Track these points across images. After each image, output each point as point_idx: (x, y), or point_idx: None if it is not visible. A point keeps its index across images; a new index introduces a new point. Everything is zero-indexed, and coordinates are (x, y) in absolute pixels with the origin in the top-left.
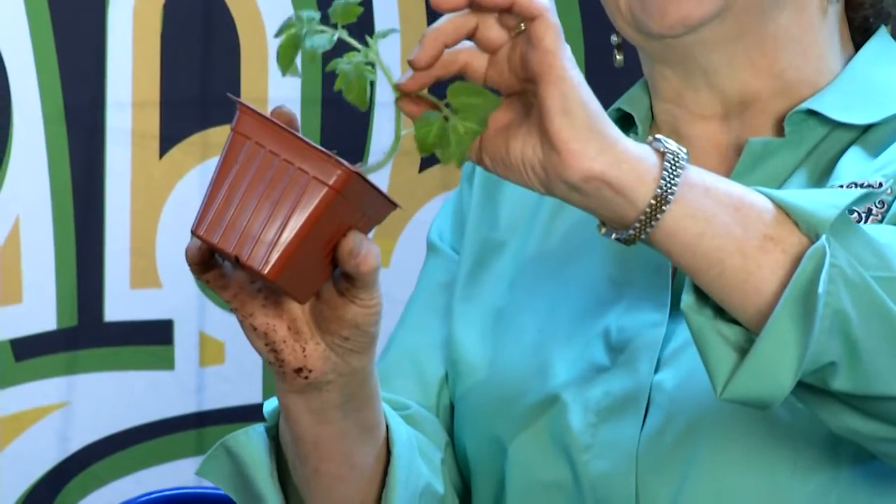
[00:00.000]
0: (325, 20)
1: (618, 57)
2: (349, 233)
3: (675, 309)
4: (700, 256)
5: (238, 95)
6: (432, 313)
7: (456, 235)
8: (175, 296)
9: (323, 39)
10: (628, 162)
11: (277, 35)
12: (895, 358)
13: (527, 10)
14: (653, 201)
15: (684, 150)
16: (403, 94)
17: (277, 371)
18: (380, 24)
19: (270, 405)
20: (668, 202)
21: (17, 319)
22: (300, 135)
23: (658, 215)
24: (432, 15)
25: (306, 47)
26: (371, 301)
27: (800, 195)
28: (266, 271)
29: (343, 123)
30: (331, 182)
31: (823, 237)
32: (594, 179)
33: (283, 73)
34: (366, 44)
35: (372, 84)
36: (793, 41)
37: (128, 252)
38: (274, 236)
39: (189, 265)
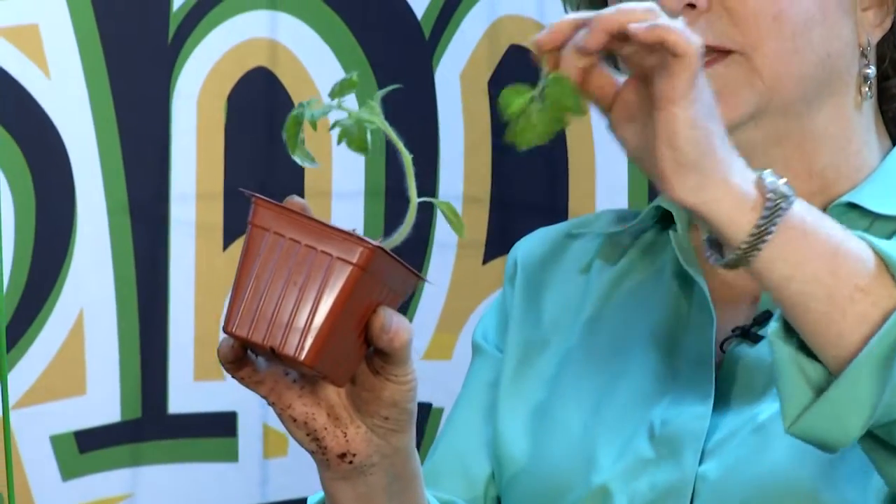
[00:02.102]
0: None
1: None
2: (379, 309)
3: (718, 401)
4: (786, 297)
5: (302, 187)
6: (478, 413)
7: (500, 335)
8: (238, 388)
9: (321, 110)
10: (727, 201)
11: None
12: None
13: (674, 47)
14: (746, 241)
15: (791, 191)
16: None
17: (321, 459)
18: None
19: (315, 498)
20: (762, 242)
21: (81, 411)
22: (317, 217)
23: (751, 254)
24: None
25: (306, 118)
26: (406, 377)
27: None
28: (303, 358)
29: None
30: (355, 260)
31: None
32: (689, 209)
33: (293, 154)
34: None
35: (373, 133)
36: (831, 139)
37: (191, 344)
38: (306, 322)
39: (222, 364)
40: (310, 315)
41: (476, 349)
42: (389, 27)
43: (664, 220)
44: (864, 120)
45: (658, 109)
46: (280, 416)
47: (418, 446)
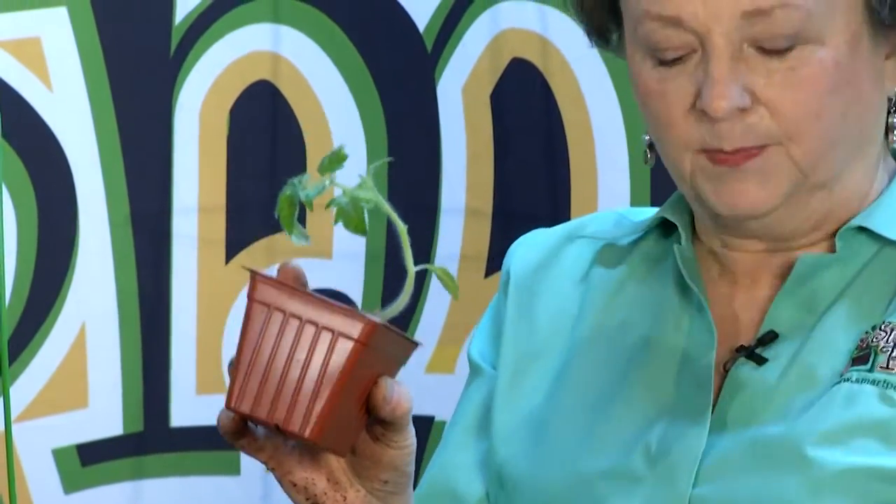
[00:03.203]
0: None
1: (649, 156)
2: (380, 381)
3: (716, 422)
4: None
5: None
6: (471, 433)
7: (493, 347)
8: None
9: (316, 188)
10: None
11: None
12: None
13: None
14: None
15: None
16: None
17: None
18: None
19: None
20: None
21: (83, 425)
22: (317, 294)
23: None
24: (498, 118)
25: (302, 199)
26: (405, 442)
27: None
28: (307, 434)
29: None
30: (357, 336)
31: None
32: None
33: (289, 234)
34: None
35: (369, 210)
36: (851, 195)
37: (194, 357)
38: (310, 398)
39: (222, 435)
40: (314, 392)
41: (471, 366)
42: (392, 40)
43: (666, 228)
44: (883, 160)
45: None
46: (280, 481)
47: (419, 460)
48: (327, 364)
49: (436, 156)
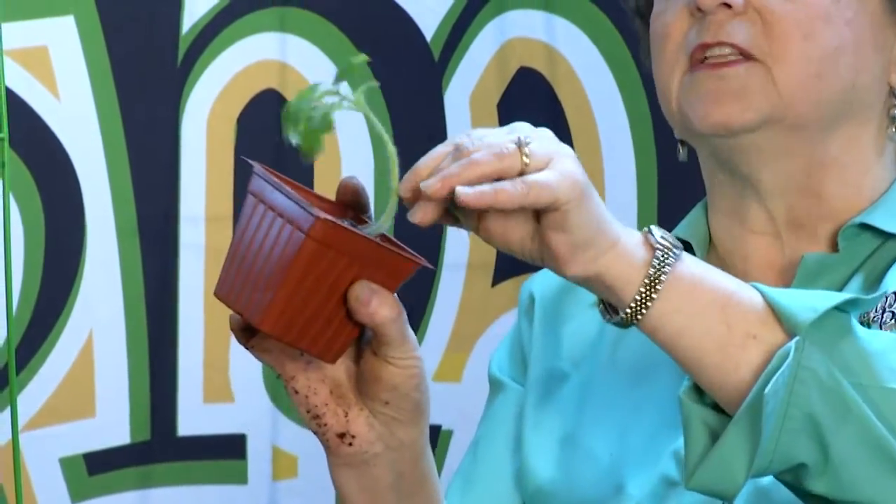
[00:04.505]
0: None
1: (681, 151)
2: (355, 283)
3: None
4: (681, 352)
5: None
6: (506, 446)
7: (516, 368)
8: (248, 410)
9: (333, 100)
10: (619, 263)
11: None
12: (872, 466)
13: (553, 205)
14: (637, 297)
15: (678, 245)
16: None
17: (323, 440)
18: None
19: None
20: (651, 299)
21: (90, 433)
22: (304, 189)
23: (642, 310)
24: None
25: (313, 114)
26: (406, 359)
27: (791, 294)
28: (260, 324)
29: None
30: (306, 230)
31: (794, 340)
32: (586, 281)
33: (314, 152)
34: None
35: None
36: (841, 168)
37: (201, 366)
38: (264, 288)
39: (233, 333)
40: (268, 283)
41: (495, 383)
42: (399, 49)
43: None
44: (883, 158)
45: (547, 213)
46: (286, 388)
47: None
48: (282, 256)
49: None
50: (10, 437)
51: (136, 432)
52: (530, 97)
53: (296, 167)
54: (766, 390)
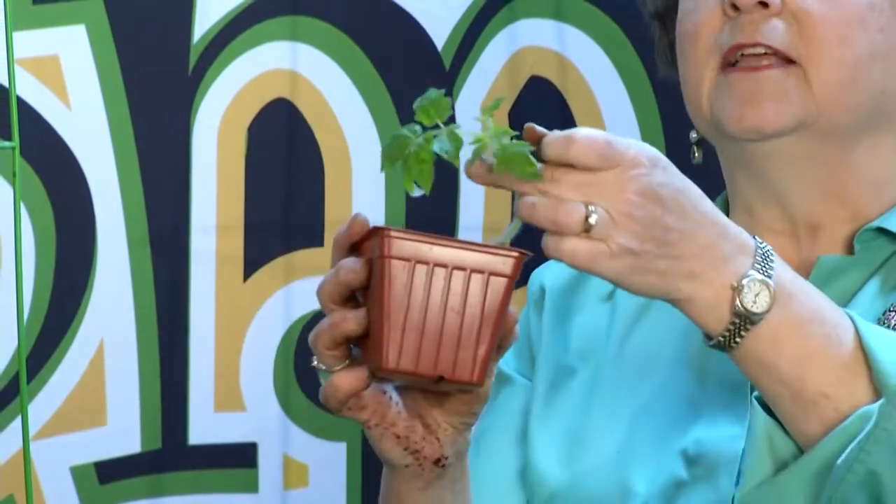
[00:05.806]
0: None
1: (696, 154)
2: (511, 313)
3: None
4: (757, 386)
5: (322, 218)
6: (508, 439)
7: (523, 362)
8: (259, 419)
9: (444, 142)
10: (699, 300)
11: (388, 156)
12: None
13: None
14: (721, 336)
15: (771, 299)
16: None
17: (414, 470)
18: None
19: None
20: (733, 343)
21: (101, 442)
22: (449, 238)
23: (727, 346)
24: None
25: (436, 150)
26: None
27: (890, 343)
28: (475, 379)
29: None
30: (509, 273)
31: (878, 404)
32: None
33: (426, 190)
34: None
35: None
36: (866, 174)
37: (212, 375)
38: (474, 344)
39: (329, 402)
40: (476, 337)
41: (501, 378)
42: (410, 58)
43: None
44: None
45: None
46: (381, 437)
47: None
48: (484, 305)
49: (454, 173)
50: (20, 445)
51: (147, 441)
52: (541, 106)
53: (305, 179)
54: (840, 460)
